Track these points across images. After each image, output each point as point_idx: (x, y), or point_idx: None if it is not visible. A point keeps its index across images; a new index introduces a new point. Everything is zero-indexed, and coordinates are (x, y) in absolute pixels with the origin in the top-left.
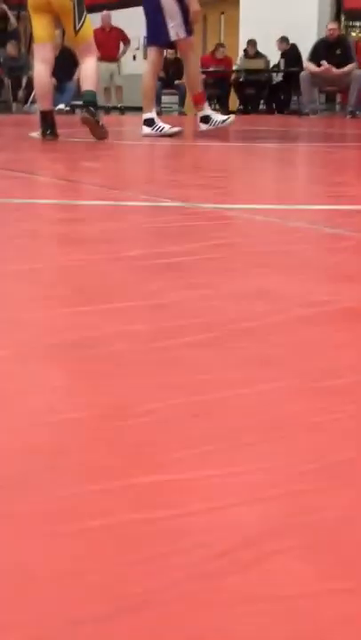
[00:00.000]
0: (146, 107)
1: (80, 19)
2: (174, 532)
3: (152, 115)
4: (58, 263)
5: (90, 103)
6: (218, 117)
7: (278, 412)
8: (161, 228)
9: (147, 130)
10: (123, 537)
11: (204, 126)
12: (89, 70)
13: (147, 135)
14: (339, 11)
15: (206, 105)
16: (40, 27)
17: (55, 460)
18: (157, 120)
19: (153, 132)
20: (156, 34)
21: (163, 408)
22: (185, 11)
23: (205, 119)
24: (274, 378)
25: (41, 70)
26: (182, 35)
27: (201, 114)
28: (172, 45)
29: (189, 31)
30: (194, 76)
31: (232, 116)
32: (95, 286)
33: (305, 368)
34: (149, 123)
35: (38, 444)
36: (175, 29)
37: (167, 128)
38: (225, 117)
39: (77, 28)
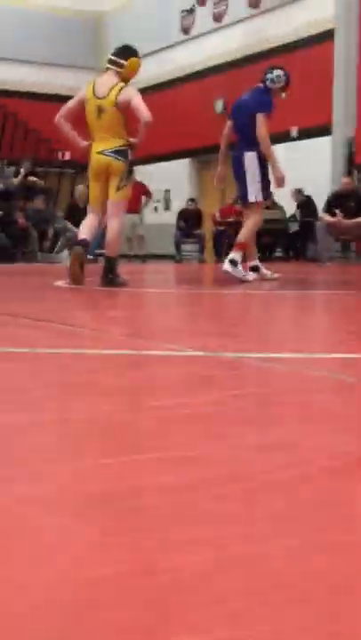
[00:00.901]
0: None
1: (126, 179)
2: None
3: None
4: (85, 414)
5: (110, 271)
6: (244, 272)
7: (301, 571)
8: (184, 378)
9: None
10: None
11: (229, 267)
12: (115, 234)
13: (227, 273)
14: (351, 165)
15: (240, 254)
16: (97, 191)
17: (82, 618)
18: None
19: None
20: (245, 194)
21: (189, 565)
22: (266, 175)
23: (234, 263)
24: (298, 532)
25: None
26: (259, 198)
27: (232, 256)
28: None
29: (266, 196)
30: (250, 230)
31: (253, 275)
32: (122, 438)
33: (328, 523)
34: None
35: (65, 601)
36: (254, 193)
37: (251, 275)
38: (248, 274)
39: (120, 186)
